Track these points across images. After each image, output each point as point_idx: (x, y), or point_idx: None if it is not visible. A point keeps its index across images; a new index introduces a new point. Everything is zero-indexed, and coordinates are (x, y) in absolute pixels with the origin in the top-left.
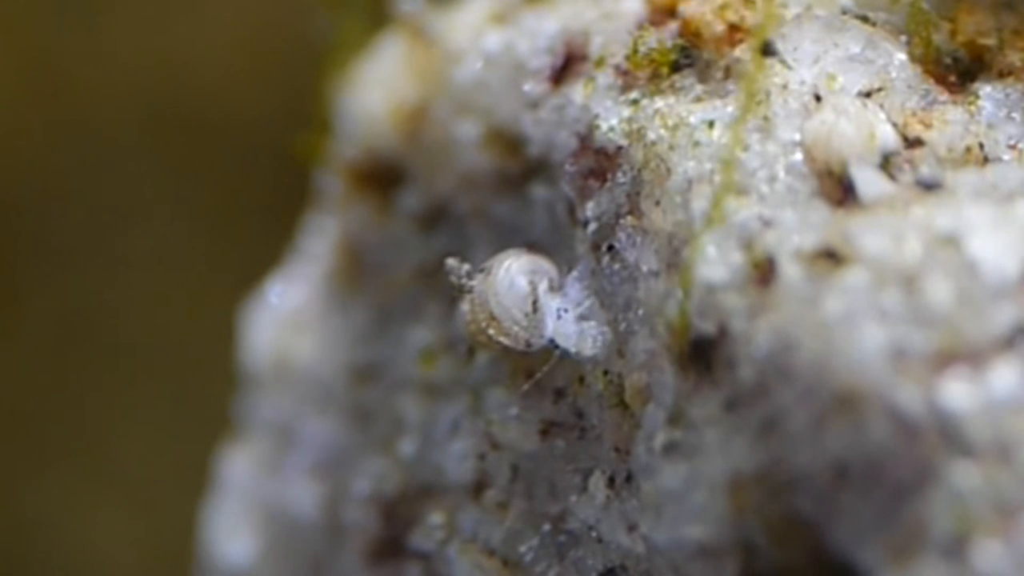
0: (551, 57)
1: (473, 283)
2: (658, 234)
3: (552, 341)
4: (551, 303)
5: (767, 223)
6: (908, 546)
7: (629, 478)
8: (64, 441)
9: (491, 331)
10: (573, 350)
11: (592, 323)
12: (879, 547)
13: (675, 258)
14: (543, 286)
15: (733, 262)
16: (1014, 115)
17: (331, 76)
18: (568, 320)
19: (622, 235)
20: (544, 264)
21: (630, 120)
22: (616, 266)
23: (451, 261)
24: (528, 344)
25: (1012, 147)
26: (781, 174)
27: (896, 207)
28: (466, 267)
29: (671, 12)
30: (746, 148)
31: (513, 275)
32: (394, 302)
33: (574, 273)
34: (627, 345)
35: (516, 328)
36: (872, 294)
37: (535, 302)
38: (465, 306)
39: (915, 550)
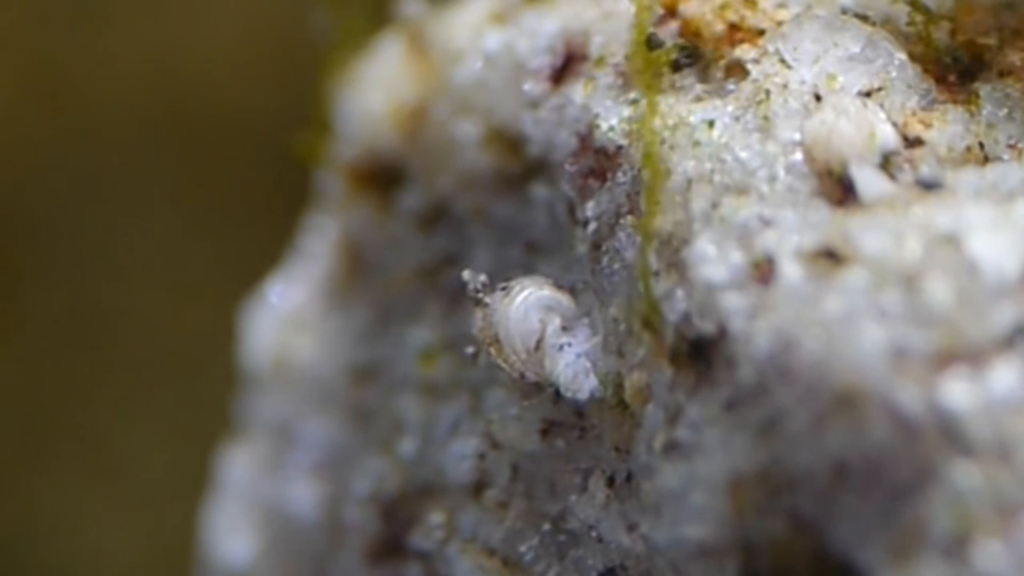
0: (551, 57)
1: (488, 299)
2: (658, 234)
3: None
4: (556, 342)
5: (767, 223)
6: (908, 546)
7: (629, 478)
8: (64, 440)
9: (492, 350)
10: (563, 389)
11: (588, 369)
12: (879, 547)
13: (675, 258)
14: (552, 326)
15: (733, 262)
16: (1014, 115)
17: (331, 76)
18: (569, 357)
19: (622, 235)
20: (563, 301)
21: (630, 120)
22: (616, 266)
23: (467, 273)
24: (522, 376)
25: (1012, 147)
26: (781, 174)
27: (896, 207)
28: (482, 278)
29: (671, 12)
30: (745, 147)
31: (528, 307)
32: (394, 302)
33: (585, 319)
34: (626, 345)
35: (514, 359)
36: (872, 294)
37: (540, 341)
38: (479, 315)
39: (915, 550)
